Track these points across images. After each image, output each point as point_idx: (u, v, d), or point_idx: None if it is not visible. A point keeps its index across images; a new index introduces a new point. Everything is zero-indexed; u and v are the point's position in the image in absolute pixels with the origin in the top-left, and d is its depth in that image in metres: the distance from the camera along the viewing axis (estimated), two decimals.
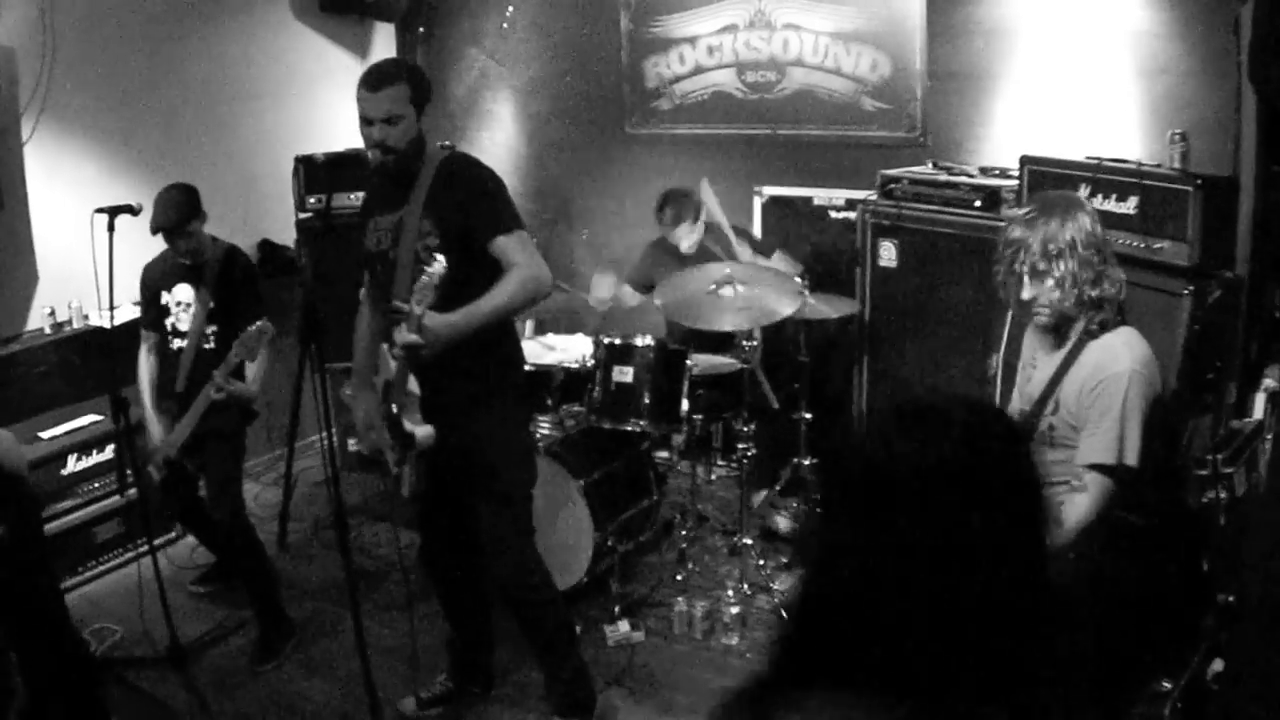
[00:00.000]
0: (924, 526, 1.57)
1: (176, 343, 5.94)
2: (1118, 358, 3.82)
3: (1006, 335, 5.84)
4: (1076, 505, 3.81)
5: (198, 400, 5.75)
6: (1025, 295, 3.96)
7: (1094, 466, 3.81)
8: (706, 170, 7.33)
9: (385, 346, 4.76)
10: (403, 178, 4.62)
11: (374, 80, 4.52)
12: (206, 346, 5.88)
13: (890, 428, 1.67)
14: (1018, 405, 4.17)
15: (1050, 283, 3.88)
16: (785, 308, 6.03)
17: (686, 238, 7.06)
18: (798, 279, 6.43)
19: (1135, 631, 4.15)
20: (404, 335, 4.28)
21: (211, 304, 5.87)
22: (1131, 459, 3.76)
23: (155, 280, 5.99)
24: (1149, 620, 4.29)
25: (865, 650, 1.61)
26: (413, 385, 4.59)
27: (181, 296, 5.90)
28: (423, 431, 4.59)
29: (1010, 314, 5.81)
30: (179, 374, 5.90)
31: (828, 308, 6.50)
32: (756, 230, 7.89)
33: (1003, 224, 5.76)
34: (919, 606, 1.57)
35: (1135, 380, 3.77)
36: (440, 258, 4.23)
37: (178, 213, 5.68)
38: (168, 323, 5.95)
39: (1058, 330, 4.03)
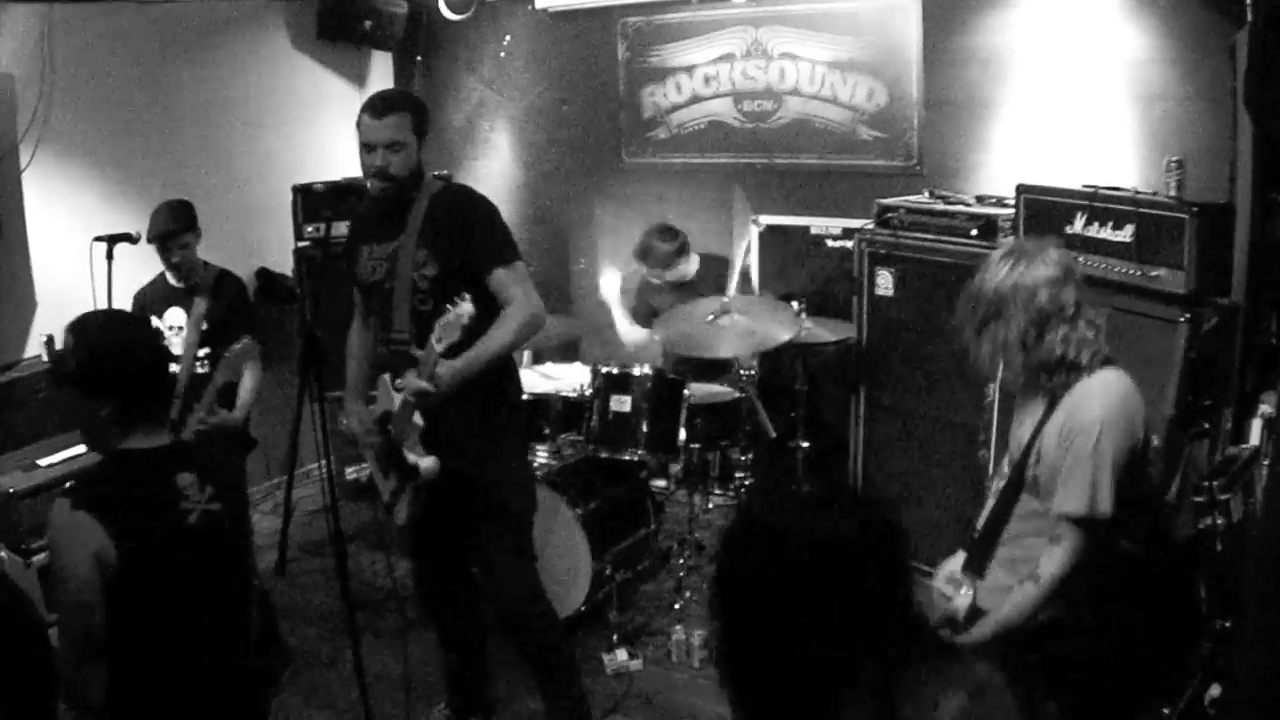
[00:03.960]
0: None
1: (172, 367, 5.91)
2: (1088, 407, 3.69)
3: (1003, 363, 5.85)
4: (1053, 558, 3.70)
5: (185, 432, 5.73)
6: (976, 355, 3.89)
7: (1067, 517, 3.68)
8: (702, 200, 7.35)
9: (386, 377, 4.78)
10: (397, 207, 4.64)
11: (379, 107, 4.55)
12: (200, 370, 5.86)
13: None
14: (1010, 453, 4.09)
15: (986, 341, 3.83)
16: (783, 333, 6.05)
17: (684, 275, 7.16)
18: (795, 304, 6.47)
19: (1133, 657, 4.15)
20: (415, 382, 4.35)
21: (204, 326, 5.87)
22: (1104, 508, 3.63)
23: (146, 305, 5.98)
24: (1146, 646, 4.29)
25: None
26: (416, 417, 4.59)
27: (174, 320, 5.90)
28: (427, 463, 4.60)
29: None
30: (173, 398, 5.87)
31: (825, 331, 6.52)
32: (754, 259, 7.91)
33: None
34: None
35: (1106, 429, 3.64)
36: (468, 298, 4.27)
37: (175, 222, 5.71)
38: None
39: (1028, 383, 3.92)
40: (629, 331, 7.42)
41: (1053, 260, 3.75)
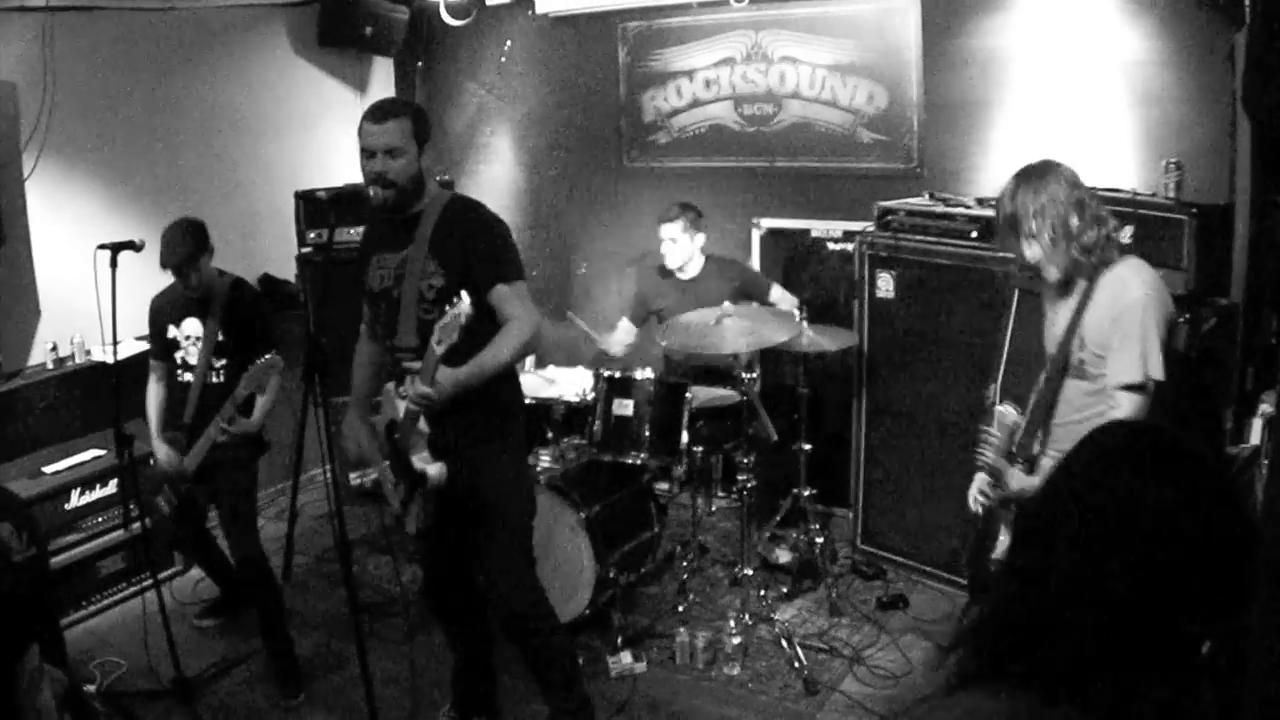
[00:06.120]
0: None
1: (186, 375, 5.92)
2: (1129, 287, 4.08)
3: (1004, 364, 5.87)
4: (1115, 414, 4.03)
5: (204, 436, 5.76)
6: (1029, 256, 4.19)
7: (1125, 386, 4.05)
8: (703, 203, 7.33)
9: (391, 386, 4.78)
10: (406, 217, 4.65)
11: (378, 113, 4.56)
12: (214, 380, 5.86)
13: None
14: (1047, 347, 4.42)
15: (1035, 245, 4.15)
16: (783, 334, 6.07)
17: (671, 246, 7.09)
18: (796, 312, 6.46)
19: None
20: (418, 388, 4.36)
21: (220, 337, 5.86)
22: (1156, 373, 4.02)
23: (162, 314, 5.97)
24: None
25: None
26: (421, 424, 4.60)
27: (190, 330, 5.89)
28: (435, 470, 4.60)
29: (1007, 343, 5.85)
30: (187, 406, 5.89)
31: (826, 340, 6.51)
32: (755, 262, 7.93)
33: (999, 251, 5.85)
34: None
35: (1149, 303, 4.03)
36: (465, 296, 4.28)
37: (186, 249, 5.68)
38: (177, 356, 5.93)
39: (1066, 284, 4.25)
40: (609, 339, 7.42)
41: (1062, 175, 4.23)
